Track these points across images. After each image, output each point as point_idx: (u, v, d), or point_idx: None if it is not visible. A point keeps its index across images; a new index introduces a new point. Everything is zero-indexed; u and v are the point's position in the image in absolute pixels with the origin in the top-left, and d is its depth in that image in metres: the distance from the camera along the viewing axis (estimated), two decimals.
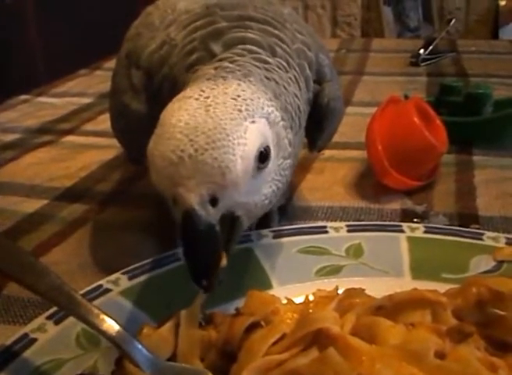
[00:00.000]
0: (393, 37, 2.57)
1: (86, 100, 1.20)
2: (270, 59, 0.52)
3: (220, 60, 0.51)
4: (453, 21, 1.65)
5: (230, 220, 0.43)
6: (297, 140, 0.54)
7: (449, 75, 1.27)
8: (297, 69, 0.54)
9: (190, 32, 0.54)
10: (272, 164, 0.46)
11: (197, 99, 0.43)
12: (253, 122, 0.43)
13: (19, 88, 1.26)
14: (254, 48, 0.52)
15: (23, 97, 1.22)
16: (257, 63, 0.50)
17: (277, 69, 0.52)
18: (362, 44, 1.65)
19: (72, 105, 1.17)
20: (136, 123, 0.57)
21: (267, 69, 0.51)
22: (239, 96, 0.44)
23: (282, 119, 0.48)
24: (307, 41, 0.58)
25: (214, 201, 0.41)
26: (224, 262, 0.42)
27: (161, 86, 0.55)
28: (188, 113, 0.42)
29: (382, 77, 1.29)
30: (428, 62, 1.37)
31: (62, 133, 1.02)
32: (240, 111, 0.43)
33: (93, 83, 1.31)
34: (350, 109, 1.06)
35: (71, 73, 1.39)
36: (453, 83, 0.95)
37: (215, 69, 0.49)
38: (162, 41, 0.56)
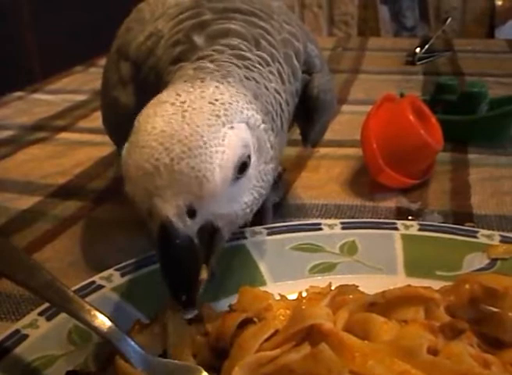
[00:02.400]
0: (390, 35, 2.57)
1: (81, 97, 1.20)
2: (251, 55, 0.51)
3: (200, 58, 0.49)
4: (449, 20, 1.65)
5: (210, 232, 0.42)
6: (279, 141, 0.52)
7: (444, 74, 1.27)
8: (282, 60, 0.53)
9: (177, 23, 0.54)
10: (253, 170, 0.44)
11: (172, 104, 0.41)
12: (231, 127, 0.41)
13: (13, 85, 1.25)
14: (236, 42, 0.51)
15: (18, 93, 1.22)
16: (236, 61, 0.49)
17: (257, 65, 0.50)
18: (358, 43, 1.65)
19: (66, 101, 1.17)
20: (125, 118, 0.57)
21: (247, 67, 0.49)
22: (217, 100, 0.42)
23: (263, 122, 0.46)
24: (294, 31, 0.57)
25: (191, 213, 0.39)
26: (204, 275, 0.41)
27: (148, 77, 0.54)
28: (163, 120, 0.40)
29: (378, 76, 1.29)
30: (424, 60, 1.37)
31: (57, 130, 1.02)
32: (218, 116, 0.41)
33: (88, 80, 1.31)
34: (345, 107, 1.06)
35: (66, 69, 1.39)
36: (448, 82, 0.95)
37: (194, 69, 0.47)
38: (150, 32, 0.56)
